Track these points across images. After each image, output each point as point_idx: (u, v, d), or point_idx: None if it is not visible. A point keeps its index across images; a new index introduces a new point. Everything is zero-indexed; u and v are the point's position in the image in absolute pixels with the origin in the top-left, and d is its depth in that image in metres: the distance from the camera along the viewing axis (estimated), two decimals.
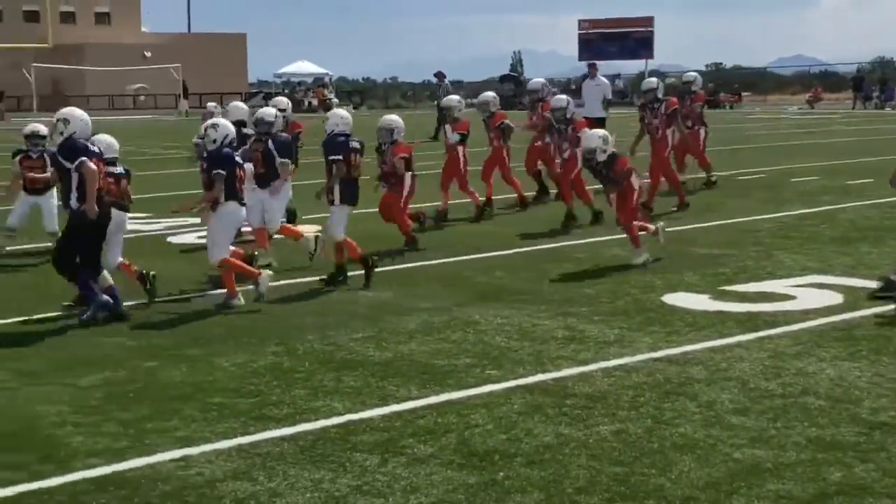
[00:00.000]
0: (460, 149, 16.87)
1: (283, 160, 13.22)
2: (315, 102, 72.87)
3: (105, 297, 10.26)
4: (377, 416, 7.28)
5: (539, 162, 19.03)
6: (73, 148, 10.17)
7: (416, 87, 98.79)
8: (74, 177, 10.10)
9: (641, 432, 6.84)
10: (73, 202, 10.14)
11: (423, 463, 6.36)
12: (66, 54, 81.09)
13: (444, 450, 6.57)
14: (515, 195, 18.20)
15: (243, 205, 11.13)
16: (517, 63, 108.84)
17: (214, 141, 10.98)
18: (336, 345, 9.17)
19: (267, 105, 14.71)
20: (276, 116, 13.38)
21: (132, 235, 15.29)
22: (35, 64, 72.25)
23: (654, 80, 18.95)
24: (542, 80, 20.93)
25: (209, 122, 11.33)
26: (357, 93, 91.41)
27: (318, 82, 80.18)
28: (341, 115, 12.31)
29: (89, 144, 10.39)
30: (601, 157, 12.95)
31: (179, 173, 24.88)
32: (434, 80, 38.47)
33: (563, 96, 17.16)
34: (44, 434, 7.05)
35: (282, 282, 11.87)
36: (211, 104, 17.47)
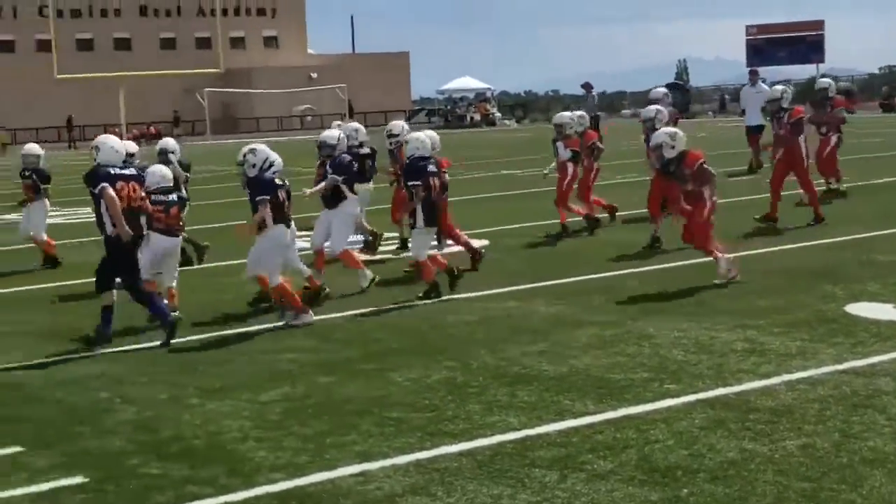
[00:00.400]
0: (570, 166, 16.52)
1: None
2: (478, 118, 73.29)
3: (171, 315, 10.58)
4: (554, 431, 7.20)
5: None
6: (95, 175, 10.55)
7: (579, 99, 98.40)
8: (101, 203, 10.46)
9: (829, 447, 6.60)
10: (108, 227, 10.48)
11: (603, 479, 6.25)
12: (236, 78, 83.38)
13: (625, 466, 6.45)
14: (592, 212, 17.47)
15: (289, 226, 11.28)
16: (682, 71, 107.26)
17: (254, 166, 11.13)
18: (508, 359, 9.13)
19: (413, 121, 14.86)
20: (339, 139, 13.11)
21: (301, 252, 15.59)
22: (207, 89, 74.47)
23: (778, 88, 17.82)
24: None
25: (247, 147, 11.50)
26: (519, 106, 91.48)
27: (480, 97, 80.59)
28: (420, 139, 12.36)
29: (118, 169, 10.64)
30: (668, 153, 12.37)
31: None
32: (582, 91, 38.12)
33: (652, 107, 16.32)
34: (228, 449, 7.19)
35: (449, 297, 11.90)
36: (336, 123, 17.56)
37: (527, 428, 7.28)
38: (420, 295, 12.02)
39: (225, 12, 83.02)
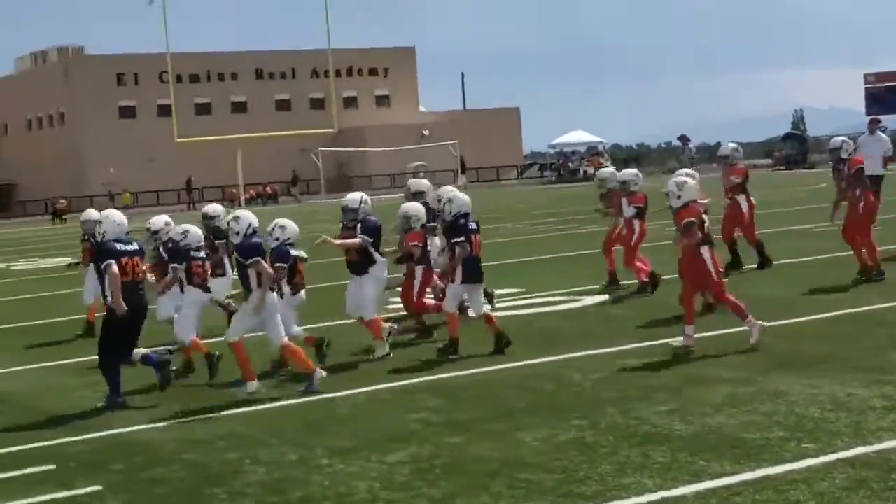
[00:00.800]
0: (637, 223, 16.30)
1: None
2: (591, 171, 73.01)
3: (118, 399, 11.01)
4: (691, 493, 7.01)
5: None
6: (101, 251, 11.05)
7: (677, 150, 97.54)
8: (106, 277, 10.88)
9: None
10: (109, 299, 10.90)
11: None
12: (349, 137, 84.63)
13: None
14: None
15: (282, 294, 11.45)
16: (799, 121, 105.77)
17: (238, 233, 11.22)
18: (639, 418, 8.94)
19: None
20: (361, 202, 12.87)
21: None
22: (322, 148, 75.66)
23: (838, 139, 17.08)
24: (732, 144, 18.99)
25: (231, 215, 11.79)
26: (632, 159, 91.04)
27: (593, 150, 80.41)
28: (461, 197, 12.51)
29: (123, 245, 11.06)
30: (674, 203, 11.93)
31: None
32: (678, 143, 37.75)
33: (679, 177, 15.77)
34: None
35: (577, 353, 11.75)
36: (422, 179, 17.52)
37: (663, 490, 7.10)
38: (440, 348, 12.33)
39: (338, 73, 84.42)
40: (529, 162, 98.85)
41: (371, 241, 12.63)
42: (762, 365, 10.67)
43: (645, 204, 16.38)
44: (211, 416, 10.19)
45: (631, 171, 17.15)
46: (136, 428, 9.90)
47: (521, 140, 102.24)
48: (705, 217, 12.03)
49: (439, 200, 13.05)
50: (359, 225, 12.66)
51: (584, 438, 8.47)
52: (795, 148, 72.17)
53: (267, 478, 8.06)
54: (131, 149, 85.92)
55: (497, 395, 10.28)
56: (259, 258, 11.00)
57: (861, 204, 16.08)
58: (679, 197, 11.90)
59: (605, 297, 15.82)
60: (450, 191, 13.22)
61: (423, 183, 15.26)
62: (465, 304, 12.75)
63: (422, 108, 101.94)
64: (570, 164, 79.26)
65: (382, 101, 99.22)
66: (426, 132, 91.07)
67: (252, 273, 10.99)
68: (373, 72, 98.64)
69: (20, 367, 13.62)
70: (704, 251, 11.78)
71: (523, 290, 17.33)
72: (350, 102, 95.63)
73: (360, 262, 12.67)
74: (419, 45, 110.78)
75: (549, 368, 11.28)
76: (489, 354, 12.14)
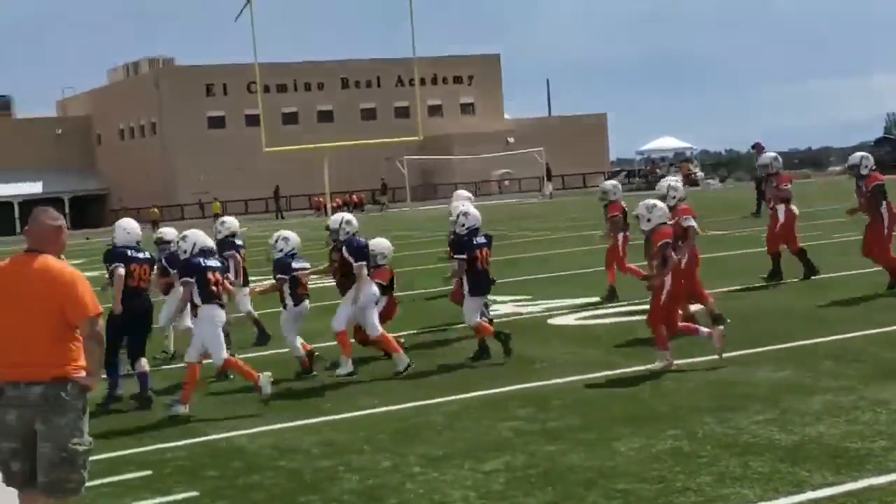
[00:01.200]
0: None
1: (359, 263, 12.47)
2: (679, 178, 72.35)
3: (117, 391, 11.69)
4: None
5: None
6: (111, 254, 11.92)
7: (783, 156, 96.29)
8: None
9: None
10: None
11: None
12: (434, 145, 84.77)
13: None
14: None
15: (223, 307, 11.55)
16: (892, 125, 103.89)
17: (185, 251, 11.59)
18: (737, 428, 8.78)
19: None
20: (341, 223, 12.72)
21: (506, 318, 15.52)
22: (407, 157, 75.90)
23: (857, 155, 16.77)
24: (772, 153, 18.76)
25: (180, 235, 12.14)
26: (722, 165, 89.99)
27: (681, 157, 79.66)
28: (475, 214, 12.88)
29: (134, 252, 11.79)
30: (644, 226, 11.74)
31: (559, 254, 25.19)
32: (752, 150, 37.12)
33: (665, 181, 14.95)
34: None
35: (679, 361, 11.61)
36: (462, 192, 17.68)
37: (763, 500, 6.97)
38: (470, 357, 12.65)
39: (423, 82, 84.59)
40: (617, 169, 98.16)
41: (363, 262, 12.44)
42: (862, 373, 10.44)
43: (622, 213, 16.55)
44: (303, 422, 10.22)
45: (611, 182, 17.60)
46: (230, 434, 9.96)
47: (607, 147, 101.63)
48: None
49: (456, 213, 13.17)
50: (344, 246, 12.66)
51: (682, 448, 8.34)
52: (889, 152, 70.83)
53: (361, 485, 8.05)
54: (220, 158, 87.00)
55: (589, 403, 10.18)
56: (188, 279, 11.39)
57: (885, 220, 15.88)
58: (649, 220, 11.75)
59: (699, 305, 15.59)
60: (464, 205, 13.51)
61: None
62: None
63: (507, 116, 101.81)
64: (657, 170, 78.56)
65: (467, 108, 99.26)
66: (511, 139, 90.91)
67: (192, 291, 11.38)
68: (457, 80, 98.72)
69: None
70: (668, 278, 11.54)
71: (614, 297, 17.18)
72: (435, 110, 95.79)
73: (348, 284, 12.62)
74: (504, 53, 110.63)
75: (641, 377, 11.14)
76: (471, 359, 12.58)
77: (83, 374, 6.37)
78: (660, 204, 12.07)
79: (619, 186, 17.48)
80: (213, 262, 11.54)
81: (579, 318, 15.21)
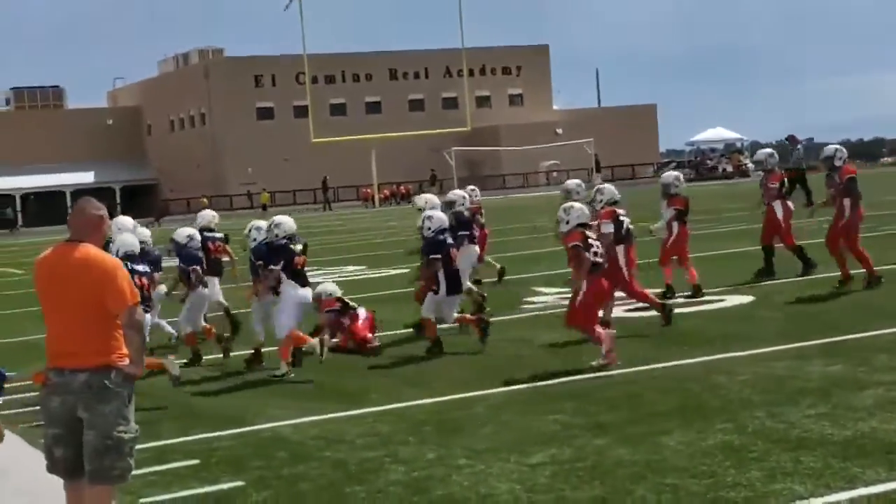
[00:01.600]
0: (676, 225, 16.08)
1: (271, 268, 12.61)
2: (730, 169, 71.83)
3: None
4: (845, 499, 6.76)
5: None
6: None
7: (813, 147, 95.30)
8: None
9: None
10: None
11: None
12: (481, 137, 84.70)
13: None
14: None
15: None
16: None
17: (276, 236, 12.51)
18: (788, 422, 8.64)
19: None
20: (251, 229, 13.30)
21: (553, 311, 15.45)
22: (454, 148, 75.89)
23: (832, 147, 16.56)
24: (767, 150, 18.79)
25: (272, 222, 12.79)
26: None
27: (731, 148, 79.07)
28: (441, 217, 13.26)
29: (134, 264, 11.60)
30: (563, 228, 11.92)
31: None
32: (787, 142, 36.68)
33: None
34: None
35: (721, 355, 11.48)
36: (469, 188, 18.25)
37: (814, 496, 6.84)
38: (427, 351, 12.85)
39: (471, 73, 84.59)
40: (666, 160, 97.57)
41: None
42: None
43: (685, 207, 16.21)
44: (349, 413, 10.20)
45: (672, 175, 17.03)
46: (276, 424, 9.96)
47: (657, 138, 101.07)
48: (593, 241, 11.89)
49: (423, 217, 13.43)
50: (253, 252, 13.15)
51: (732, 442, 8.22)
52: None
53: (407, 476, 8.01)
54: (269, 149, 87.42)
55: (637, 397, 10.06)
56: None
57: (847, 214, 15.76)
58: (567, 222, 11.87)
59: (749, 297, 15.44)
60: (430, 208, 13.95)
61: (431, 198, 15.67)
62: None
63: (555, 107, 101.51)
64: (707, 161, 78.03)
65: (516, 99, 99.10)
66: (560, 131, 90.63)
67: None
68: (506, 70, 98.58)
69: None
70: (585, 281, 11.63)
71: (663, 290, 17.02)
72: (483, 101, 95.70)
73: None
74: (553, 43, 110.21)
75: (691, 370, 11.02)
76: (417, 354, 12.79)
77: (127, 362, 6.38)
78: (577, 206, 12.24)
79: (682, 178, 17.25)
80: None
81: (626, 311, 15.08)
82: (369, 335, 13.54)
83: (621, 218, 13.81)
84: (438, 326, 13.19)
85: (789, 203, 17.32)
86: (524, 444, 8.61)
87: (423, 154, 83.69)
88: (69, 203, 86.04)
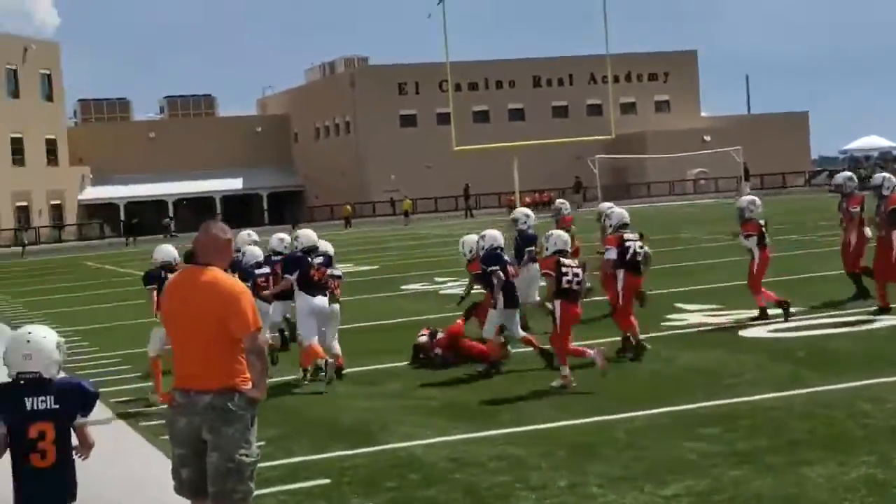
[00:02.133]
0: (756, 250, 15.70)
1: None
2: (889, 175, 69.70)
3: None
4: None
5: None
6: (148, 276, 12.92)
7: None
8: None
9: None
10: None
11: None
12: (626, 144, 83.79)
13: None
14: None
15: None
16: None
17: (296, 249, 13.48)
18: None
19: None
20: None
21: (694, 329, 15.08)
22: (598, 155, 75.23)
23: (880, 175, 16.25)
24: (847, 173, 18.06)
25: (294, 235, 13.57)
26: None
27: (888, 156, 76.76)
28: (496, 235, 13.22)
29: (171, 274, 11.44)
30: (545, 255, 12.41)
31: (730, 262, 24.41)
32: None
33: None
34: None
35: (868, 381, 11.04)
36: (606, 204, 17.64)
37: None
38: (480, 371, 12.88)
39: (616, 79, 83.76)
40: (818, 168, 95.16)
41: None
42: None
43: (759, 232, 15.71)
44: (480, 434, 10.08)
45: (747, 198, 16.57)
46: (409, 444, 9.90)
47: (809, 146, 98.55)
48: (569, 268, 12.05)
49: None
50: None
51: (875, 476, 7.88)
52: None
53: None
54: (411, 156, 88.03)
55: (780, 424, 9.72)
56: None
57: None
58: (547, 248, 12.35)
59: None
60: (472, 234, 14.30)
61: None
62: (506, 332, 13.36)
63: (703, 113, 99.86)
64: (862, 170, 75.87)
65: (662, 106, 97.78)
66: (707, 138, 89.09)
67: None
68: (653, 77, 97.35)
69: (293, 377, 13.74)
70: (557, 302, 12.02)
71: (813, 305, 16.53)
72: (628, 108, 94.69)
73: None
74: (701, 48, 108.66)
75: (836, 396, 10.62)
76: (543, 369, 12.68)
77: (249, 385, 6.42)
78: (556, 233, 12.58)
79: (854, 177, 16.99)
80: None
81: (772, 331, 14.64)
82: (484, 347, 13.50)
83: (628, 244, 13.64)
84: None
85: (866, 230, 16.78)
86: (660, 473, 8.39)
87: (565, 161, 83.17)
88: (219, 209, 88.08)
